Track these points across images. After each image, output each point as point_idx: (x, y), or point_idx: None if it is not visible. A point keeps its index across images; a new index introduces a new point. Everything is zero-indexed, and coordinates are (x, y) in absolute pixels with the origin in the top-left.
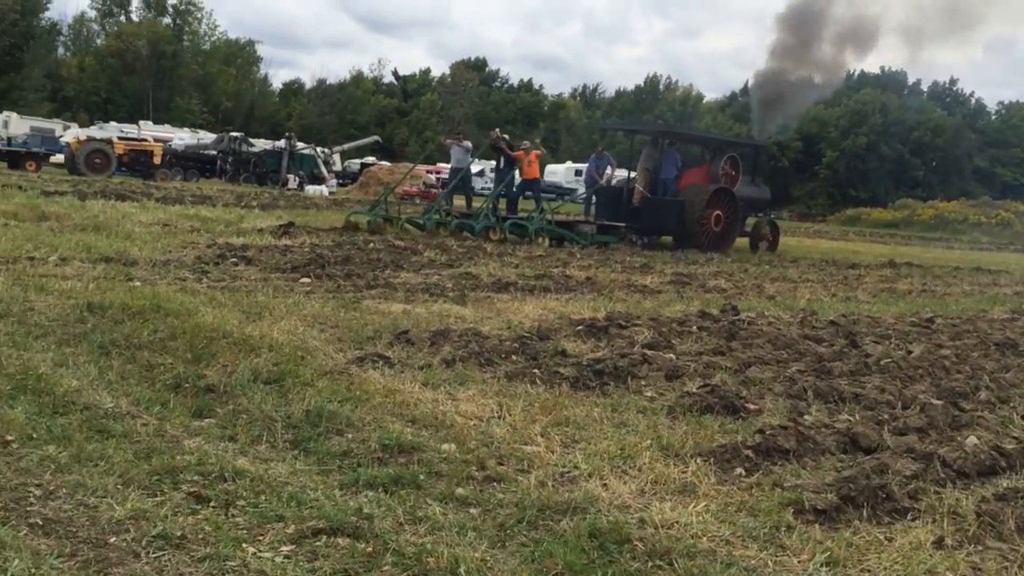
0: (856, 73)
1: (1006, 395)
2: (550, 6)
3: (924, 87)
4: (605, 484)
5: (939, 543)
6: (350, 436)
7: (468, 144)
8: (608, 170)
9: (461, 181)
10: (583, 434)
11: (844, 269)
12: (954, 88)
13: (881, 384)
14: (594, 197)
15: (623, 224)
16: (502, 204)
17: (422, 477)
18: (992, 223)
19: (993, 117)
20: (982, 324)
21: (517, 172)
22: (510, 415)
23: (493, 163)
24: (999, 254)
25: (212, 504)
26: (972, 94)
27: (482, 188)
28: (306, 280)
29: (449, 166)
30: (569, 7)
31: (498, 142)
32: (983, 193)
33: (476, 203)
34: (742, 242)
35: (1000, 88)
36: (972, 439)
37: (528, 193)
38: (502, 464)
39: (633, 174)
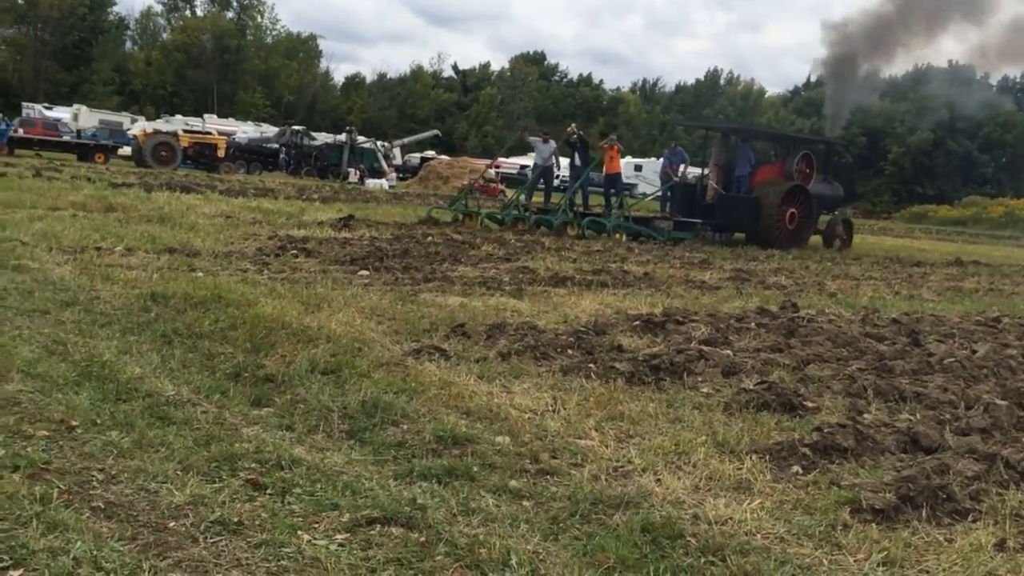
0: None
1: None
2: (611, 0)
3: (993, 81)
4: (659, 479)
5: (1000, 545)
6: (405, 427)
7: (553, 143)
8: (682, 167)
9: (543, 178)
10: (637, 429)
11: (909, 267)
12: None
13: (944, 384)
14: (668, 193)
15: (699, 220)
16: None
17: (476, 469)
18: None
19: None
20: None
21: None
22: (564, 409)
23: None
24: None
25: (269, 491)
26: None
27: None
28: (364, 273)
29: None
30: (630, 1)
31: (574, 137)
32: None
33: (553, 199)
34: (816, 240)
35: None
36: None
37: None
38: (555, 458)
39: (705, 171)
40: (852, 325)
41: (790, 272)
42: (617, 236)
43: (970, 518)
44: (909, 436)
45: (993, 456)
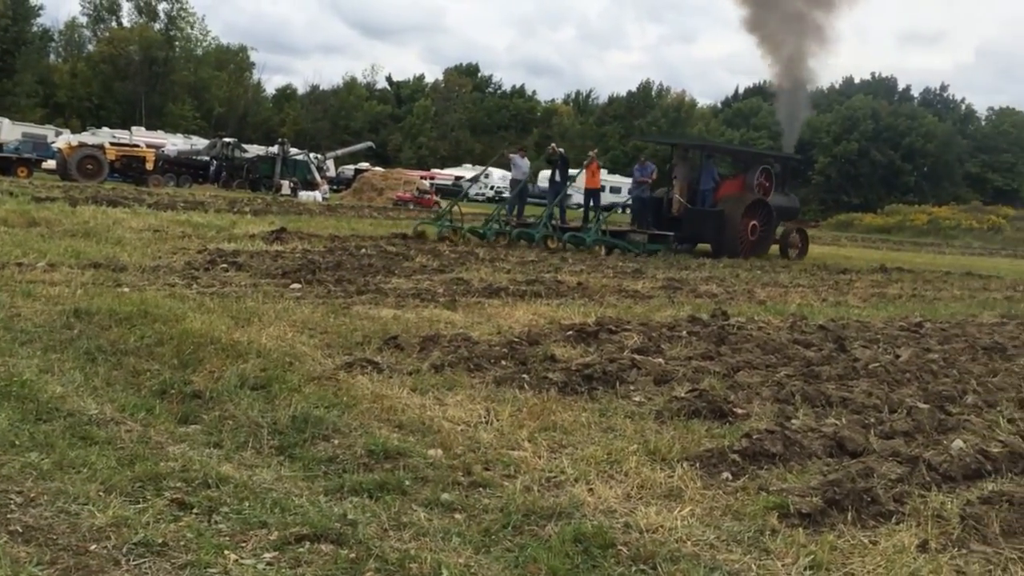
0: (845, 80)
1: (993, 399)
2: (544, 11)
3: (915, 92)
4: (591, 489)
5: (923, 546)
6: (336, 442)
7: (527, 160)
8: (653, 176)
9: (519, 192)
10: (570, 439)
11: (835, 274)
12: (944, 94)
13: (868, 388)
14: (631, 206)
15: (672, 233)
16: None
17: (407, 483)
18: (983, 228)
19: (983, 123)
20: (971, 328)
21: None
22: (498, 420)
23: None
24: (990, 259)
25: (195, 511)
26: (963, 100)
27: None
28: (296, 286)
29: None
30: (563, 12)
31: (554, 155)
32: (974, 198)
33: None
34: (772, 249)
35: (991, 94)
36: (958, 443)
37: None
38: (488, 469)
39: (663, 189)
40: (781, 332)
41: (721, 280)
42: (597, 249)
43: (894, 520)
44: (835, 440)
45: (916, 459)
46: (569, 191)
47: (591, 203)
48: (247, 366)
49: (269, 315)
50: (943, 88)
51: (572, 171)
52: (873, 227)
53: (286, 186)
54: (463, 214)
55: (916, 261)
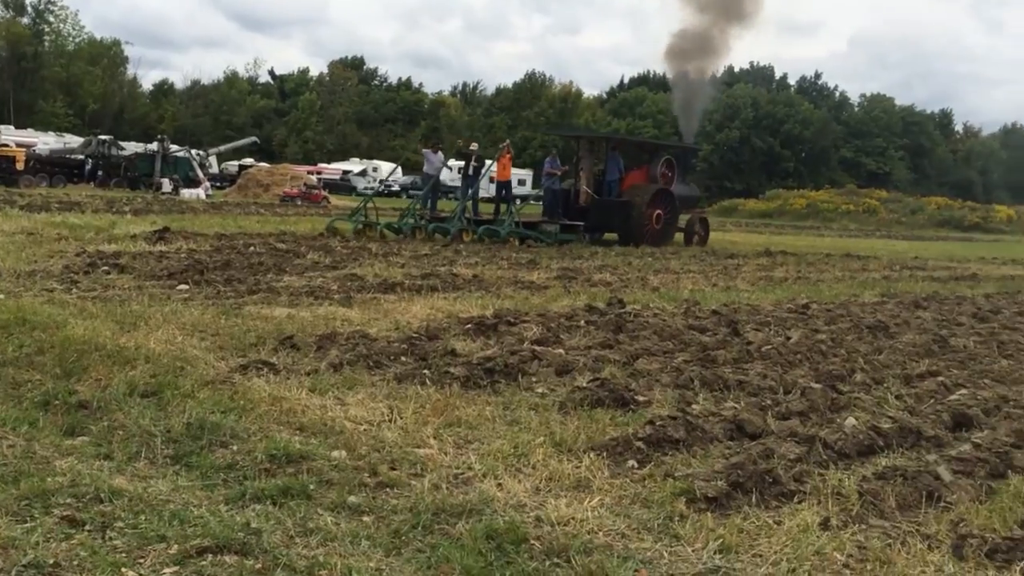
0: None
1: (880, 376)
2: (429, 3)
3: (792, 81)
4: (500, 484)
5: (825, 524)
6: (235, 448)
7: (441, 155)
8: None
9: (432, 187)
10: (476, 434)
11: (723, 259)
12: (819, 82)
13: (763, 370)
14: (543, 198)
15: (582, 224)
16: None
17: (312, 487)
18: (859, 211)
19: (856, 109)
20: (854, 308)
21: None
22: (401, 418)
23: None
24: (867, 240)
25: (87, 528)
26: (836, 87)
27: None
28: (184, 287)
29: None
30: (448, 4)
31: (467, 149)
32: (849, 182)
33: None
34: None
35: (863, 81)
36: (851, 420)
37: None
38: (394, 469)
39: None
40: (676, 318)
41: (614, 269)
42: (512, 241)
43: (796, 499)
44: (735, 423)
45: (812, 438)
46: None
47: (503, 195)
48: (135, 373)
49: (156, 318)
50: (817, 76)
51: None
52: (756, 212)
53: (167, 184)
54: (377, 209)
55: (798, 244)
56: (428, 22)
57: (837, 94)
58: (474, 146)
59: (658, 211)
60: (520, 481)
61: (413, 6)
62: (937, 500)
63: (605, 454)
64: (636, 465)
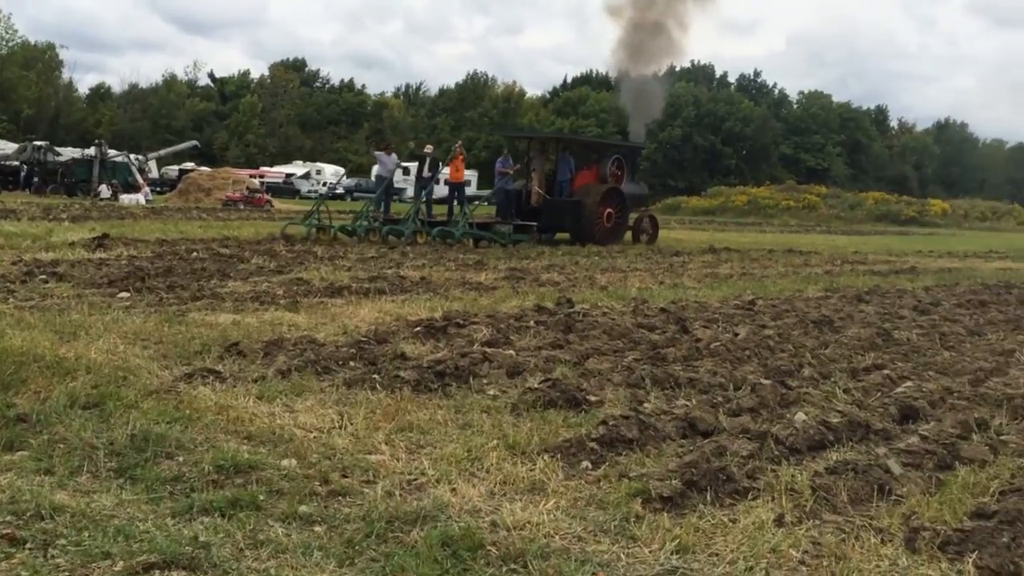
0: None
1: (827, 370)
2: (370, 5)
3: (732, 79)
4: (454, 489)
5: (780, 520)
6: (181, 459)
7: (395, 156)
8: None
9: (386, 189)
10: (428, 438)
11: (669, 256)
12: (758, 79)
13: (713, 367)
14: (495, 198)
15: (535, 224)
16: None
17: (262, 498)
18: (799, 207)
19: (795, 106)
20: (799, 303)
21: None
22: (351, 424)
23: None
24: (807, 236)
25: (28, 546)
26: (775, 85)
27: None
28: (125, 294)
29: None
30: (389, 5)
31: (421, 151)
32: (789, 178)
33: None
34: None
35: (801, 78)
36: (800, 415)
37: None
38: (346, 476)
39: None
40: (624, 317)
41: (561, 268)
42: (466, 242)
43: (750, 496)
44: (687, 421)
45: (764, 434)
46: (404, 186)
47: (456, 196)
48: (76, 384)
49: (97, 327)
50: (757, 74)
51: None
52: (699, 209)
53: (105, 190)
54: (330, 212)
55: (741, 240)
56: (370, 23)
57: (776, 92)
58: (428, 148)
59: (609, 209)
60: (474, 485)
61: (354, 7)
62: (888, 494)
63: (559, 456)
64: (590, 466)
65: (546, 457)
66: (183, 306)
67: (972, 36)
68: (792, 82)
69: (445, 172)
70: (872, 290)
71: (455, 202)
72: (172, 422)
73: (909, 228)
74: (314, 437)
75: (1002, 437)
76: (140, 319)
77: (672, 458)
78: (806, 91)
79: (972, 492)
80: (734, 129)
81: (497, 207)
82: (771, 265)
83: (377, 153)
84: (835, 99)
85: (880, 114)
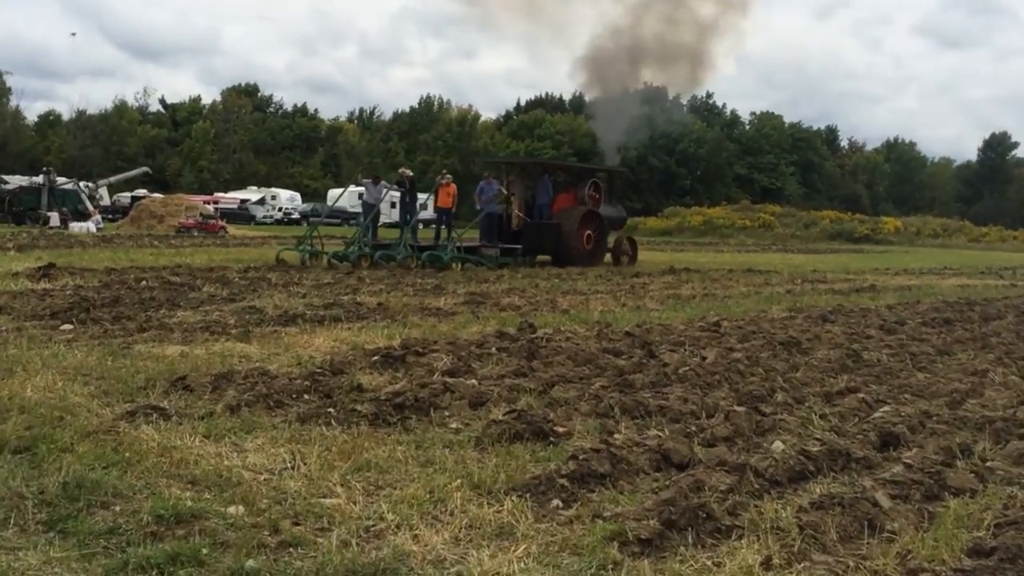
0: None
1: (801, 395)
2: (323, 30)
3: (684, 101)
4: (416, 535)
5: (767, 563)
6: (118, 509)
7: (384, 183)
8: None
9: (374, 217)
10: (387, 478)
11: (629, 278)
12: (710, 101)
13: (683, 394)
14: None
15: (520, 247)
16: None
17: (205, 551)
18: (755, 226)
19: (747, 127)
20: (765, 324)
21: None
22: (305, 464)
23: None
24: (764, 255)
25: None
26: (724, 106)
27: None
28: (68, 327)
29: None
30: (342, 30)
31: (403, 178)
32: (743, 198)
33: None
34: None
35: (753, 100)
36: (778, 444)
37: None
38: (299, 524)
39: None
40: (589, 341)
41: (522, 292)
42: (455, 267)
43: (733, 536)
44: (660, 453)
45: (742, 466)
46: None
47: (443, 220)
48: (7, 426)
49: (35, 363)
50: (708, 96)
51: (421, 195)
52: (656, 230)
53: (55, 218)
54: (323, 238)
55: (699, 260)
56: (323, 48)
57: (728, 113)
58: (406, 172)
59: (588, 232)
60: (438, 531)
61: (307, 33)
62: (879, 530)
63: (528, 495)
64: (561, 505)
65: (514, 497)
66: (129, 338)
67: (918, 57)
68: (744, 103)
69: (422, 198)
70: (836, 309)
71: (443, 227)
72: (109, 467)
73: (863, 246)
74: (264, 479)
75: (988, 464)
76: (82, 353)
77: (648, 494)
78: (758, 112)
79: (966, 526)
80: (688, 150)
81: (481, 231)
82: (732, 285)
83: (364, 181)
84: (786, 119)
85: (831, 134)
